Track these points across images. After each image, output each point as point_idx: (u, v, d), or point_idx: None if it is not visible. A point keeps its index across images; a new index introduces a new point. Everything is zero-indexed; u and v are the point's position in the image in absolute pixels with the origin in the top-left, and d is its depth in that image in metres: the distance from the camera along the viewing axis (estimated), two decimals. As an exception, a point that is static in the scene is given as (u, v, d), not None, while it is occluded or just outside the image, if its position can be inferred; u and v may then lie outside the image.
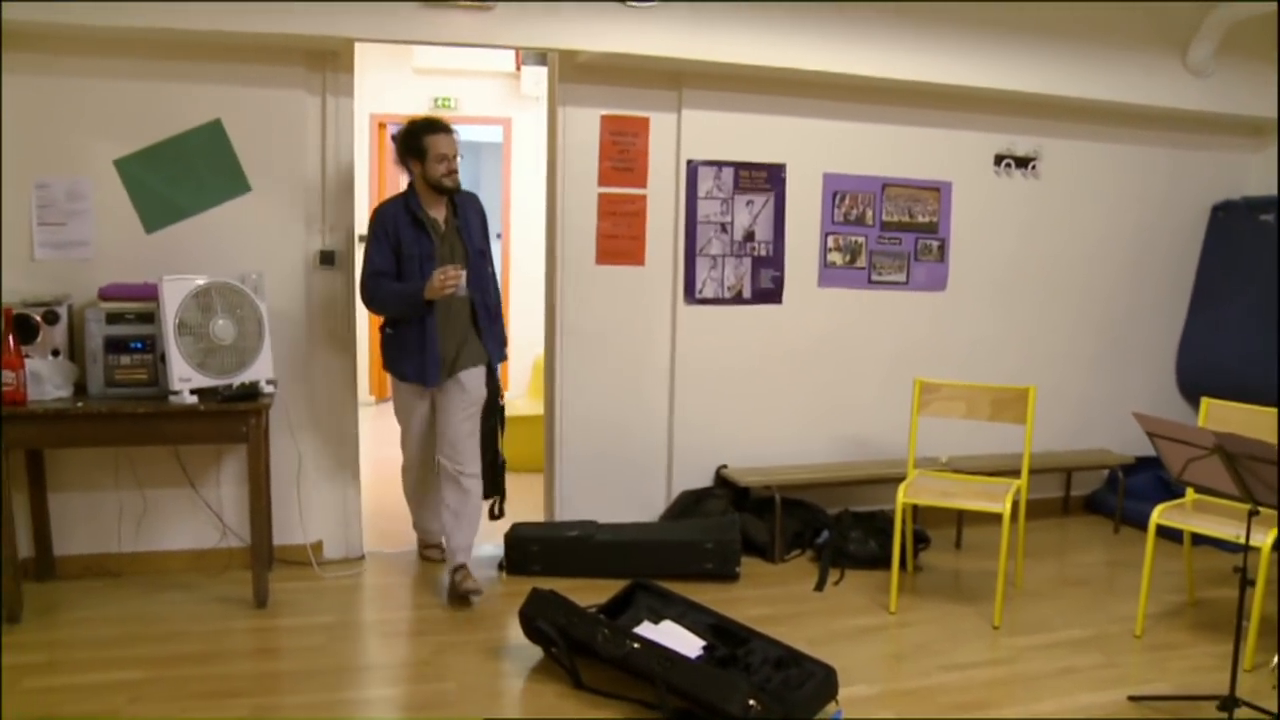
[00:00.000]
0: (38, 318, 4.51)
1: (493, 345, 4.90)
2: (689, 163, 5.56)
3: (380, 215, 4.71)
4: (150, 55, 4.75)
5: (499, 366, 5.02)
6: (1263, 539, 4.14)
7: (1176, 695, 3.89)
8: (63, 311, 4.58)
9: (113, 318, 4.49)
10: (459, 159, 4.71)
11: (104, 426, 4.40)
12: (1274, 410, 4.64)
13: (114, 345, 4.48)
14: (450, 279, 4.48)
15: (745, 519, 5.38)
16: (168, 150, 4.81)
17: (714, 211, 5.61)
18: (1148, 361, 6.55)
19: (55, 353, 4.55)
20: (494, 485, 5.17)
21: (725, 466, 5.69)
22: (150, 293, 4.48)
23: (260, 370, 4.60)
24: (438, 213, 4.76)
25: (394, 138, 4.79)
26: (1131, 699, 3.88)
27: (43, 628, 4.40)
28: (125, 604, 4.67)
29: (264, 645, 4.32)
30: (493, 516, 5.20)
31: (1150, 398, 6.40)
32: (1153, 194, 6.45)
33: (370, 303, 4.71)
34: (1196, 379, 6.41)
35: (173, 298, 4.36)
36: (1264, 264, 6.17)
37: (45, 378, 4.43)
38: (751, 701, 3.42)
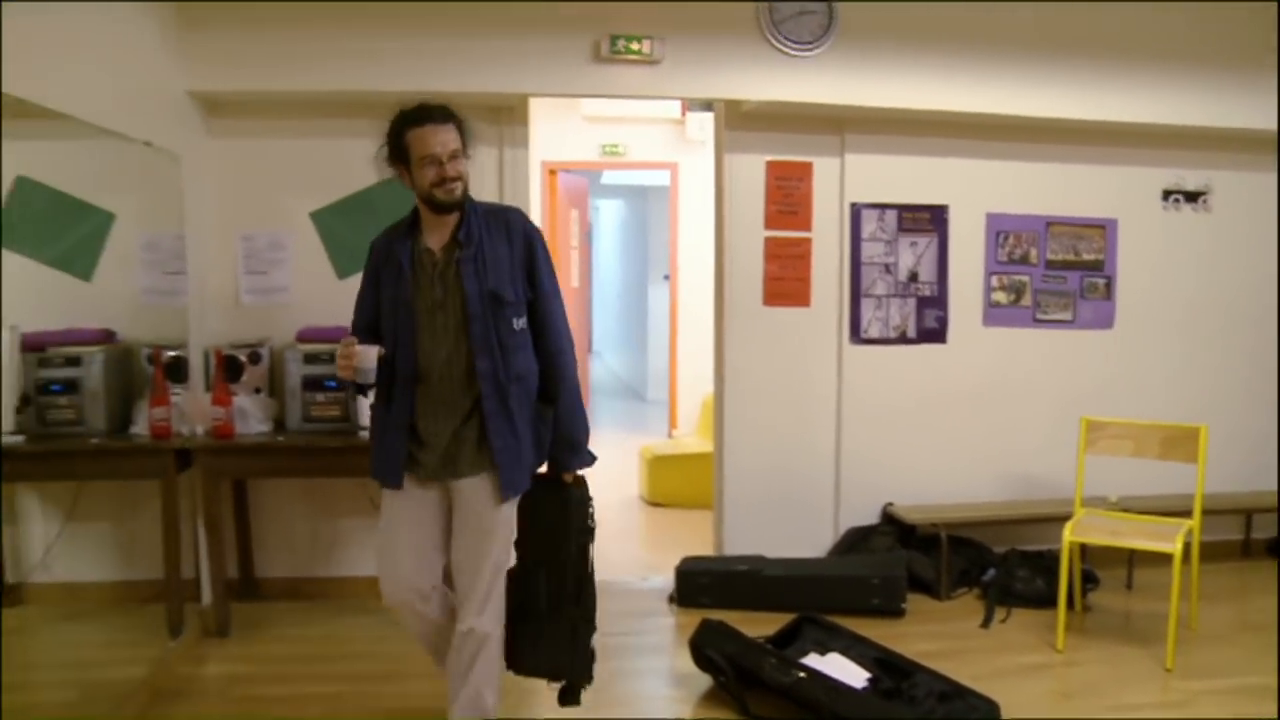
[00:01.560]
0: (244, 358, 4.92)
1: (513, 443, 3.36)
2: (853, 205, 5.70)
3: (371, 245, 3.54)
4: (340, 115, 5.16)
5: (573, 464, 3.54)
6: None
7: None
8: (265, 352, 4.99)
9: (309, 358, 4.87)
10: (461, 160, 3.32)
11: (301, 459, 4.81)
12: None
13: (310, 384, 4.86)
14: (342, 358, 3.30)
15: (911, 556, 5.45)
16: (357, 202, 5.21)
17: (878, 253, 5.73)
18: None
19: (258, 390, 4.96)
20: (569, 656, 3.57)
21: (892, 504, 5.76)
22: (343, 335, 4.83)
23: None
24: (436, 240, 3.38)
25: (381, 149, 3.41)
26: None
27: (248, 642, 4.81)
28: (320, 624, 5.03)
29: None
30: (563, 701, 3.64)
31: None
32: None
33: None
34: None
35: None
36: None
37: (249, 413, 4.84)
38: (915, 733, 3.52)
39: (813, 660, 4.12)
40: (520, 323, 3.38)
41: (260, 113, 5.13)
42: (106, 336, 4.75)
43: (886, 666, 4.15)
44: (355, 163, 5.12)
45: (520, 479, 3.39)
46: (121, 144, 4.27)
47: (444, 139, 3.26)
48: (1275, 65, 5.67)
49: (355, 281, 5.06)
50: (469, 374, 3.30)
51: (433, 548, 3.44)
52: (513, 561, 3.50)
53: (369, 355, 3.27)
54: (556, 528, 3.49)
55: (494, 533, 3.38)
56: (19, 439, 4.49)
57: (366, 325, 3.48)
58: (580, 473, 3.55)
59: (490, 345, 3.29)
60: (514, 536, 3.48)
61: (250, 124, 5.13)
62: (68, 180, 4.52)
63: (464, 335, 3.29)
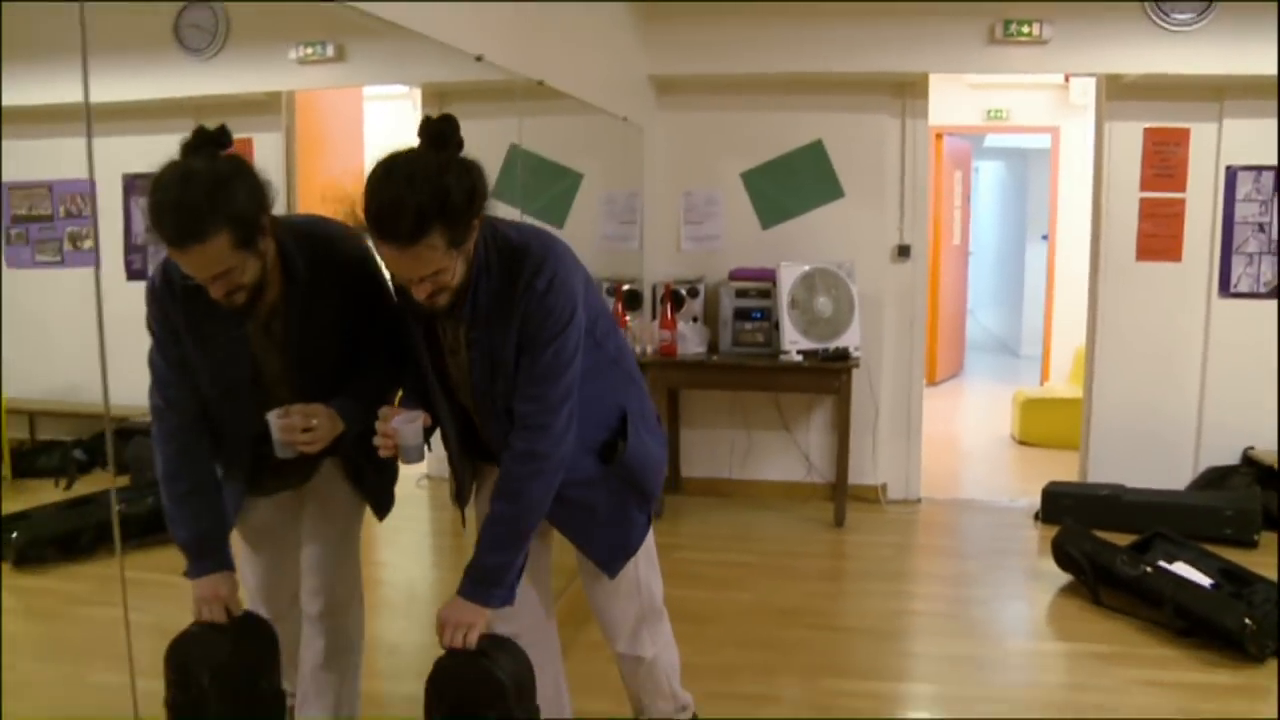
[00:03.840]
0: (684, 292, 6.04)
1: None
2: (1228, 168, 6.12)
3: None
4: (767, 92, 6.19)
5: None
6: None
7: None
8: (701, 288, 6.10)
9: (740, 293, 5.97)
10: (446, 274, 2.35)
11: (730, 374, 5.91)
12: None
13: (740, 314, 5.96)
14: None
15: (1269, 496, 5.86)
16: (780, 165, 6.23)
17: (1252, 212, 6.12)
18: None
19: (695, 319, 6.07)
20: None
21: (1252, 448, 6.17)
22: (768, 275, 5.90)
23: (850, 339, 5.83)
24: None
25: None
26: None
27: (676, 523, 5.98)
28: (734, 514, 6.12)
29: (839, 552, 5.57)
30: None
31: None
32: None
33: None
34: None
35: (786, 279, 5.76)
36: None
37: (688, 337, 5.95)
38: (1247, 620, 4.12)
39: (1161, 563, 4.75)
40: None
41: (700, 90, 6.23)
42: (573, 272, 5.99)
43: (1230, 575, 4.71)
44: (778, 131, 6.19)
45: None
46: (594, 116, 5.41)
47: (407, 261, 2.31)
48: None
49: (777, 232, 6.23)
50: None
51: None
52: None
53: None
54: None
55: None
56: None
57: None
58: None
59: None
60: None
61: (692, 99, 6.26)
62: (551, 147, 5.79)
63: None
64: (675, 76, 6.04)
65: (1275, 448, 6.10)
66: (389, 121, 6.77)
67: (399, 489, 5.84)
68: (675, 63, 5.96)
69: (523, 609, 2.73)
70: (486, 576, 2.51)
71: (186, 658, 2.55)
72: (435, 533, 5.72)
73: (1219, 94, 6.04)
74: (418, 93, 5.98)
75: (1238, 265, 6.15)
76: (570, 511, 2.74)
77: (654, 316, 6.05)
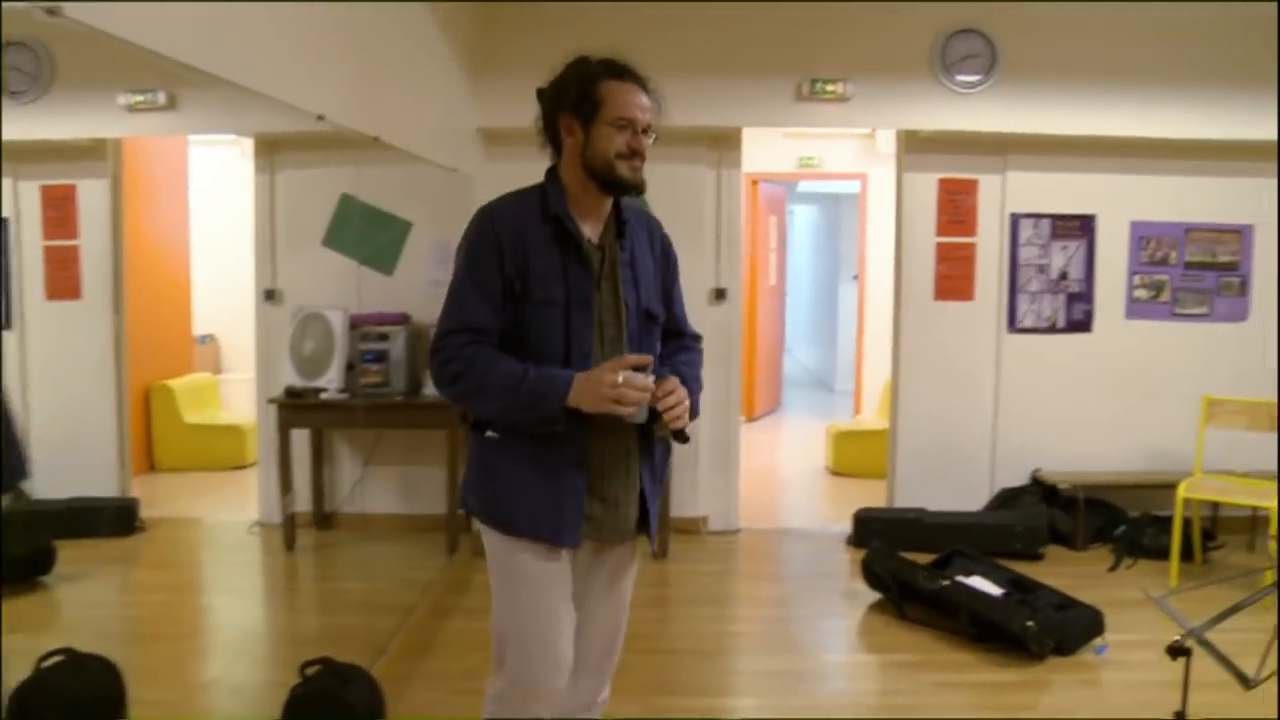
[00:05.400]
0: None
1: (658, 490, 2.87)
2: (1012, 215, 6.70)
3: (491, 220, 2.69)
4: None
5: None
6: None
7: None
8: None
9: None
10: (649, 138, 2.71)
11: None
12: None
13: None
14: (632, 393, 2.51)
15: (1054, 513, 6.42)
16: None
17: (1033, 255, 6.71)
18: None
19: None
20: None
21: (1039, 469, 6.73)
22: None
23: (669, 378, 6.14)
24: (593, 229, 2.77)
25: (541, 91, 2.82)
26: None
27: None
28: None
29: (664, 581, 5.87)
30: None
31: None
32: None
33: (455, 383, 2.60)
34: None
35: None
36: None
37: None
38: (1029, 623, 4.58)
39: (958, 577, 5.19)
40: (679, 325, 3.03)
41: (527, 142, 6.43)
42: (404, 318, 6.17)
43: (1018, 585, 5.19)
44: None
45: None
46: (425, 167, 5.62)
47: (645, 104, 2.69)
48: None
49: None
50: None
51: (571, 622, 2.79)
52: None
53: (649, 384, 2.56)
54: None
55: (628, 595, 2.99)
56: (344, 395, 5.92)
57: (491, 326, 2.62)
58: None
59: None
60: None
61: (520, 150, 6.42)
62: (382, 195, 6.00)
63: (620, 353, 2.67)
64: (503, 129, 6.30)
65: (1060, 469, 6.66)
66: (215, 169, 6.88)
67: (228, 537, 5.95)
68: (503, 115, 6.22)
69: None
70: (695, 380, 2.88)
71: (32, 700, 2.64)
72: (268, 575, 5.81)
73: (1003, 149, 6.62)
74: (247, 140, 6.12)
75: (1022, 303, 6.72)
76: (659, 474, 2.88)
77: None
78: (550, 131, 2.78)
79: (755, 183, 10.42)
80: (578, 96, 2.67)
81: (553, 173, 2.78)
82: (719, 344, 6.67)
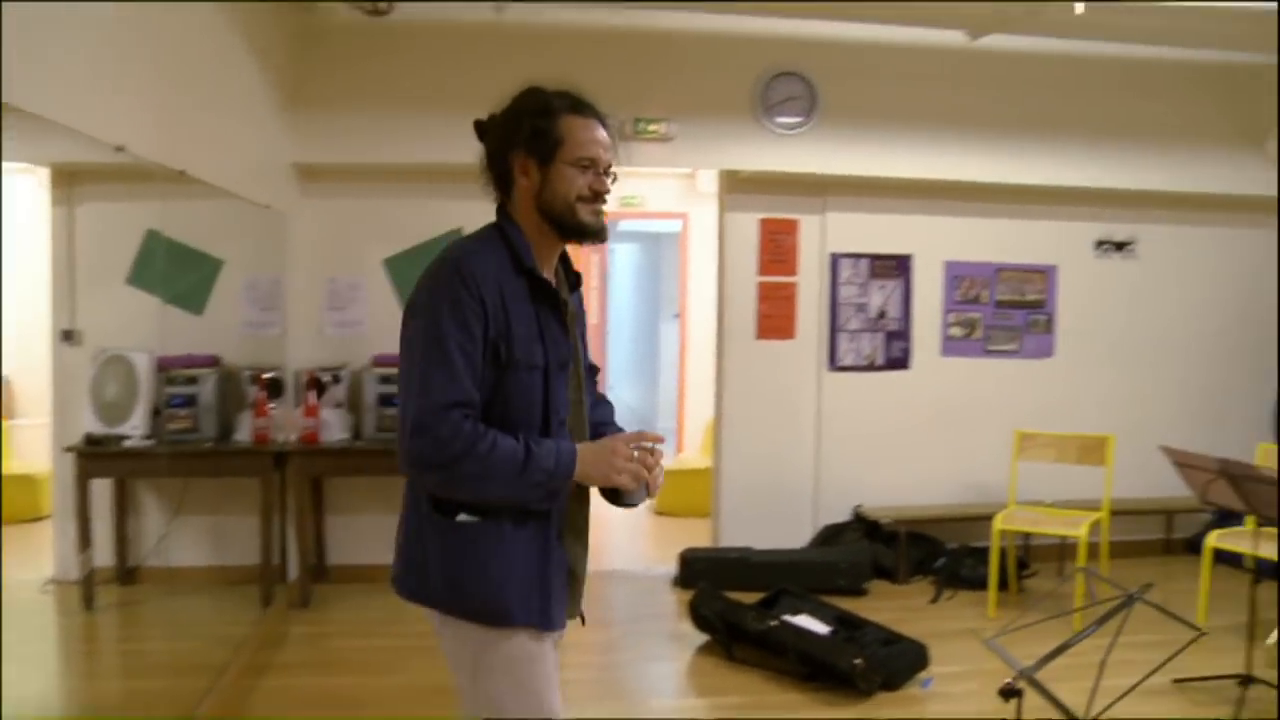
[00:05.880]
0: (327, 379, 6.03)
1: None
2: (832, 255, 6.81)
3: (474, 278, 2.31)
4: (410, 180, 6.32)
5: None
6: (1292, 557, 5.11)
7: (1216, 675, 4.83)
8: (345, 374, 6.11)
9: (384, 379, 5.99)
10: (610, 179, 2.47)
11: (375, 460, 5.90)
12: None
13: (384, 400, 5.97)
14: (643, 470, 2.42)
15: (876, 548, 6.50)
16: (422, 251, 6.35)
17: (852, 294, 6.82)
18: (1244, 416, 7.40)
19: (339, 405, 6.06)
20: None
21: (861, 505, 6.82)
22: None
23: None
24: (550, 278, 2.51)
25: (482, 124, 2.56)
26: (1176, 681, 4.84)
27: (325, 611, 5.95)
28: (384, 598, 6.08)
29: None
30: None
31: (1243, 447, 7.24)
32: (1244, 270, 7.36)
33: (453, 465, 2.25)
34: (1292, 434, 7.26)
35: (431, 364, 5.85)
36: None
37: (332, 424, 5.94)
38: (857, 660, 4.58)
39: (786, 616, 5.18)
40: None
41: (344, 178, 6.29)
42: (215, 361, 5.87)
43: (843, 621, 5.21)
44: (420, 218, 6.33)
45: None
46: (236, 202, 5.38)
47: (607, 142, 2.47)
48: (1188, 137, 6.81)
49: None
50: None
51: None
52: None
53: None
54: None
55: None
56: (150, 442, 5.59)
57: (472, 400, 2.30)
58: None
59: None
60: None
61: (336, 186, 6.31)
62: (191, 232, 5.70)
63: (581, 414, 2.59)
64: (319, 165, 6.09)
65: (881, 504, 6.76)
66: (6, 199, 6.43)
67: (19, 597, 5.49)
68: (319, 151, 6.02)
69: None
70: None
71: None
72: (64, 638, 5.42)
73: (823, 190, 6.73)
74: (44, 171, 5.74)
75: (842, 341, 6.82)
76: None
77: (297, 404, 6.01)
78: (497, 170, 2.49)
79: (577, 221, 10.34)
80: (533, 133, 2.41)
81: (506, 216, 2.47)
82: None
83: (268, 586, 5.85)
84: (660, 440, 2.48)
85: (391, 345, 6.00)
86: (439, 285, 2.31)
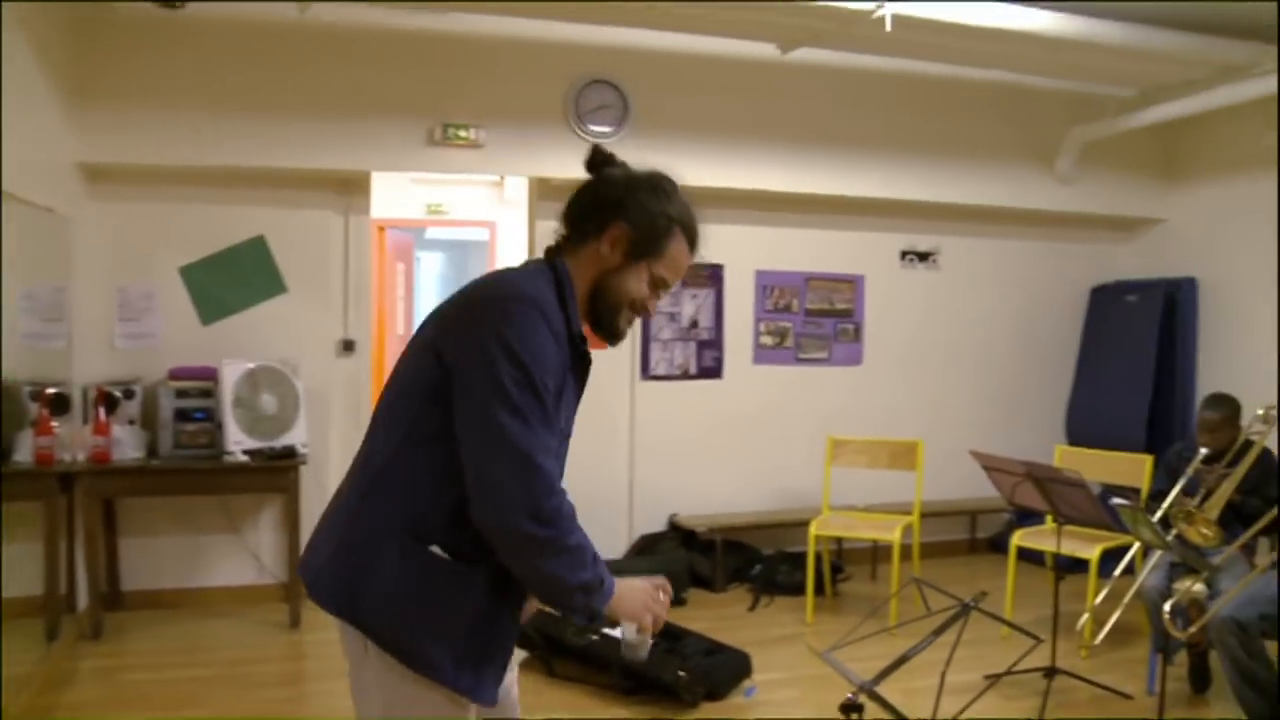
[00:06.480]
0: (119, 394, 5.65)
1: None
2: (644, 263, 6.75)
3: (552, 331, 2.15)
4: (209, 184, 5.97)
5: None
6: (1090, 552, 5.29)
7: (1024, 669, 4.95)
8: (138, 389, 5.72)
9: (180, 393, 5.66)
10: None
11: (172, 479, 5.57)
12: (1121, 455, 5.88)
13: (181, 415, 5.64)
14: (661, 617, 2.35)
15: (693, 557, 6.48)
16: (222, 260, 6.02)
17: (665, 304, 6.80)
18: (1040, 419, 7.72)
19: (132, 422, 5.69)
20: None
21: (676, 514, 6.79)
22: (209, 373, 5.66)
23: (297, 436, 5.73)
24: None
25: (603, 159, 2.42)
26: (986, 676, 4.95)
27: (119, 642, 5.52)
28: (182, 625, 5.76)
29: (297, 654, 5.44)
30: None
31: (1041, 449, 7.53)
32: (1039, 279, 7.69)
33: (570, 535, 2.12)
34: (1082, 432, 7.56)
35: (229, 377, 5.58)
36: (1130, 336, 7.39)
37: (125, 442, 5.56)
38: (681, 672, 4.52)
39: (606, 630, 5.08)
40: None
41: (137, 180, 5.89)
42: (-12, 375, 5.43)
43: (665, 632, 5.12)
44: (219, 225, 6.00)
45: None
46: (11, 205, 4.97)
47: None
48: (986, 154, 7.04)
49: (218, 327, 5.96)
50: None
51: None
52: None
53: None
54: None
55: None
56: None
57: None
58: None
59: None
60: None
61: (128, 189, 5.89)
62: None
63: None
64: (107, 165, 5.68)
65: (697, 513, 6.75)
66: None
67: None
68: (107, 150, 5.60)
69: None
70: None
71: None
72: None
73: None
74: None
75: (655, 351, 6.79)
76: None
77: (85, 421, 5.60)
78: (589, 217, 2.29)
79: (382, 229, 10.09)
80: (650, 223, 2.27)
81: (564, 267, 2.26)
82: (348, 398, 6.30)
83: (53, 618, 5.42)
84: (669, 590, 2.36)
85: (189, 357, 5.74)
86: (526, 331, 2.09)
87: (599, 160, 2.38)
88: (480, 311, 2.13)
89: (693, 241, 2.36)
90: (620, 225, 2.25)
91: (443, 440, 2.11)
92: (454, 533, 2.13)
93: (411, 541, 2.14)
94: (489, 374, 2.04)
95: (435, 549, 2.14)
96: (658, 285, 2.31)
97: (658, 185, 2.34)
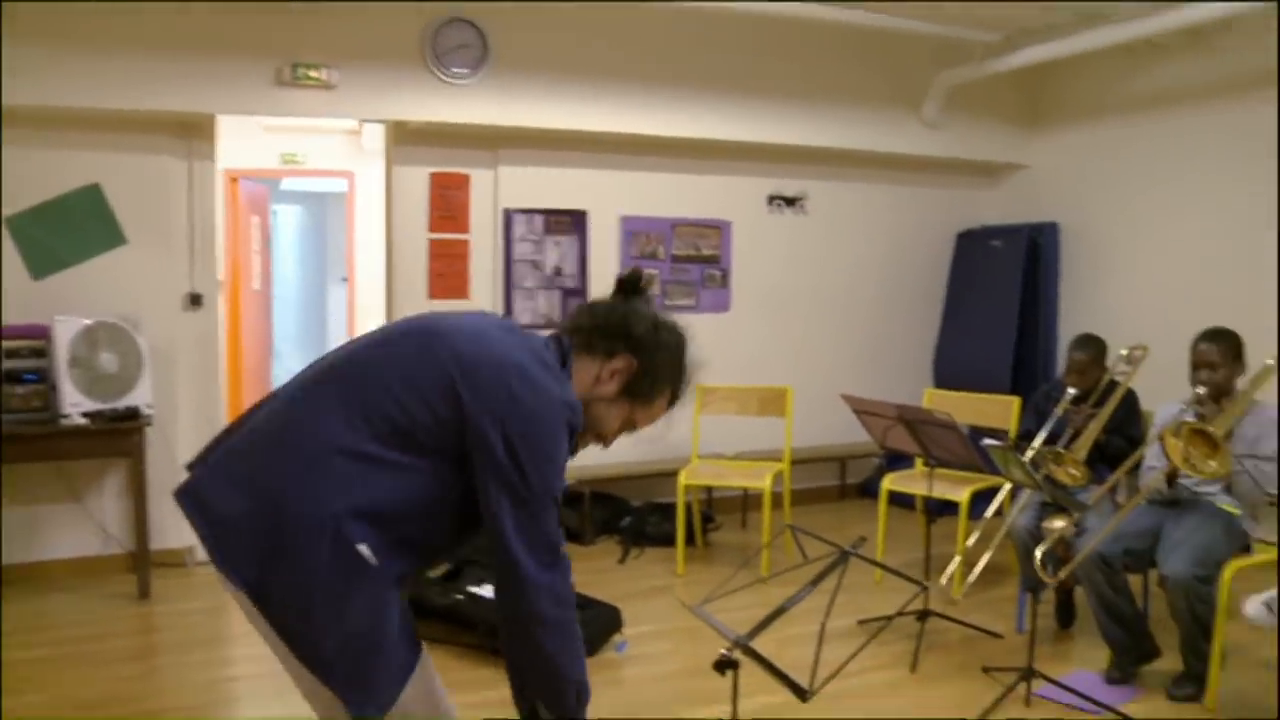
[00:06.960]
0: (-64, 354, 5.26)
1: None
2: (505, 211, 6.56)
3: (576, 408, 2.28)
4: (35, 126, 5.52)
5: None
6: (960, 495, 5.31)
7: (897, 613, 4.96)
8: (-38, 350, 5.33)
9: (9, 353, 5.26)
10: None
11: (2, 446, 5.18)
12: (988, 397, 5.91)
13: (10, 377, 5.25)
14: None
15: (561, 510, 6.33)
16: (52, 209, 5.61)
17: (528, 252, 6.62)
18: (907, 363, 7.78)
19: (-46, 386, 5.30)
20: None
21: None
22: (41, 332, 5.30)
23: (140, 396, 5.43)
24: None
25: (634, 283, 2.50)
26: (860, 622, 4.94)
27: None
28: (19, 606, 5.39)
29: (147, 626, 5.16)
30: None
31: (910, 393, 7.58)
32: (906, 224, 7.71)
33: (570, 609, 2.43)
34: (949, 375, 7.64)
35: (64, 335, 5.22)
36: (995, 281, 7.47)
37: (-53, 408, 5.19)
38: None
39: (471, 588, 4.94)
40: None
41: (57, 125, 5.53)
42: None
43: (533, 590, 5.01)
44: (48, 171, 5.59)
45: None
46: None
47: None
48: (854, 98, 6.99)
49: (52, 281, 5.57)
50: None
51: None
52: None
53: None
54: None
55: None
56: None
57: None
58: None
59: None
60: None
61: (50, 136, 5.52)
62: None
63: None
64: (21, 106, 5.28)
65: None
66: None
67: None
68: (22, 90, 5.20)
69: None
70: None
71: None
72: None
73: (494, 143, 6.46)
74: None
75: (518, 300, 6.61)
76: None
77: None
78: (609, 333, 2.36)
79: (235, 180, 9.67)
80: (653, 372, 2.41)
81: (571, 367, 2.34)
82: (198, 355, 5.99)
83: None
84: None
85: (18, 314, 5.36)
86: (555, 425, 2.22)
87: (635, 286, 2.46)
88: (527, 410, 2.16)
89: (677, 396, 2.53)
90: (629, 360, 2.35)
91: (431, 471, 2.15)
92: (382, 537, 2.11)
93: (346, 536, 2.07)
94: (521, 468, 2.19)
95: (362, 548, 2.08)
96: (626, 427, 2.46)
97: (678, 344, 2.49)
